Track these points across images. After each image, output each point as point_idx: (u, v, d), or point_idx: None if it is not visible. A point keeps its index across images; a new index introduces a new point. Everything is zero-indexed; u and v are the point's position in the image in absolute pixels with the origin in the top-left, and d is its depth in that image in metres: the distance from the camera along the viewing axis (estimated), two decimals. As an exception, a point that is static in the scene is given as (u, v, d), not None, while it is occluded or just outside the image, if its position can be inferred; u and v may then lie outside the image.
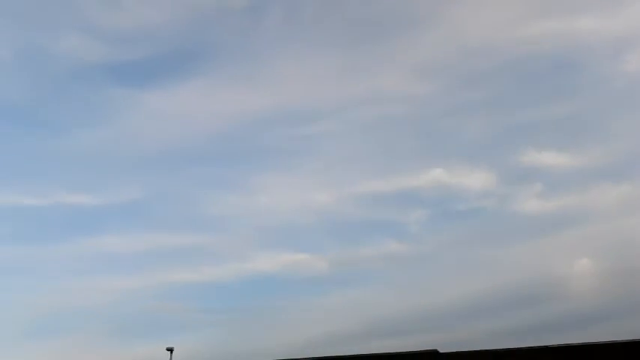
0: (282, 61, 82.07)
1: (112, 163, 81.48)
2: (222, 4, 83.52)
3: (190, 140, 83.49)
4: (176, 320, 65.08)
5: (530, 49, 73.17)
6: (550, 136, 72.29)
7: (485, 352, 26.11)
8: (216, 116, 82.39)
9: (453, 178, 69.24)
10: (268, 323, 61.36)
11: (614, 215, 62.96)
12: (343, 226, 75.30)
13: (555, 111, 71.56)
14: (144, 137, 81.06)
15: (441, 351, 26.86)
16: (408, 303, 57.56)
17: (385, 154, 79.81)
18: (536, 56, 74.16)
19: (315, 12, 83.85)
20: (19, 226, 75.43)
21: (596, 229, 62.15)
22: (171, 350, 28.40)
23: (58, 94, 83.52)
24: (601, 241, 59.91)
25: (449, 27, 77.27)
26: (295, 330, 58.21)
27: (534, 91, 76.35)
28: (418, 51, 78.97)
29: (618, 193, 63.56)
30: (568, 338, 25.50)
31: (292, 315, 62.18)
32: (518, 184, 70.98)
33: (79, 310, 64.96)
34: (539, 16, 77.98)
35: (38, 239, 76.91)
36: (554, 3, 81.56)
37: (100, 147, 79.26)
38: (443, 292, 57.31)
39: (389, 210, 73.43)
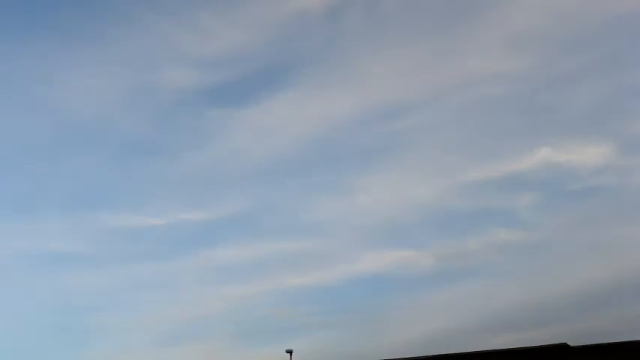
0: (368, 60, 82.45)
1: (219, 179, 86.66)
2: (303, 12, 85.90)
3: (288, 150, 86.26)
4: (290, 324, 68.05)
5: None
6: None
7: (625, 344, 23.96)
8: (309, 124, 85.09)
9: (563, 155, 64.20)
10: (379, 323, 62.03)
11: None
12: (447, 219, 73.01)
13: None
14: (245, 152, 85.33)
15: (572, 344, 24.94)
16: (525, 294, 55.04)
17: (485, 139, 76.24)
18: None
19: (394, 3, 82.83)
20: (148, 244, 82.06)
21: None
22: (290, 352, 28.79)
23: (167, 123, 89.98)
24: None
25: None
26: (406, 328, 58.16)
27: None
28: (508, 24, 74.62)
29: None
30: None
31: (402, 313, 62.05)
32: (640, 154, 66.52)
33: (204, 318, 70.42)
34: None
35: (164, 256, 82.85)
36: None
37: (207, 166, 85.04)
38: (563, 280, 54.17)
39: (495, 197, 70.14)
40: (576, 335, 28.70)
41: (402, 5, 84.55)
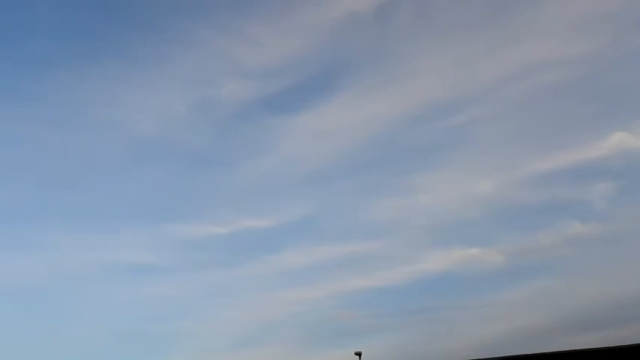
0: (420, 56, 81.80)
1: (279, 186, 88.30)
2: (351, 14, 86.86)
3: (345, 152, 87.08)
4: (356, 326, 68.19)
5: None
6: None
7: None
8: (364, 125, 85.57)
9: (640, 140, 62.05)
10: (447, 324, 60.95)
11: None
12: (515, 213, 70.10)
13: None
14: (303, 157, 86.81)
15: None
16: (603, 290, 52.17)
17: (552, 127, 73.13)
18: None
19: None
20: (215, 253, 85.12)
21: None
22: (359, 354, 28.77)
23: (226, 134, 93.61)
24: None
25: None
26: (477, 329, 56.29)
27: None
28: (569, 6, 70.75)
29: None
30: None
31: (472, 314, 59.90)
32: None
33: (272, 322, 71.81)
34: None
35: (231, 263, 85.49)
36: None
37: (267, 174, 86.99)
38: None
39: (566, 188, 66.72)
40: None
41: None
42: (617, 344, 24.54)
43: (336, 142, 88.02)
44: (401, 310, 69.71)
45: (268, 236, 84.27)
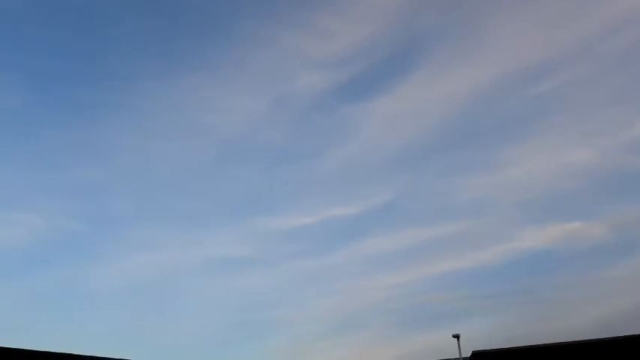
0: (496, 25, 76.88)
1: (362, 172, 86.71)
2: None
3: (425, 133, 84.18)
4: (450, 309, 65.54)
5: None
6: None
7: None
8: (443, 103, 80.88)
9: None
10: (549, 304, 56.25)
11: None
12: (620, 181, 63.38)
13: None
14: (383, 142, 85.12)
15: None
16: None
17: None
18: None
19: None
20: (304, 242, 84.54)
21: None
22: (457, 337, 28.02)
23: (305, 127, 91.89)
24: None
25: None
26: (583, 309, 51.79)
27: None
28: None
29: None
30: None
31: (576, 292, 55.30)
32: None
33: (365, 308, 70.52)
34: None
35: (320, 251, 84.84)
36: None
37: (349, 161, 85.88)
38: None
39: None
40: None
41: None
42: None
43: (415, 122, 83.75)
44: (499, 291, 65.04)
45: (355, 223, 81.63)
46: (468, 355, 30.60)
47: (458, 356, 27.85)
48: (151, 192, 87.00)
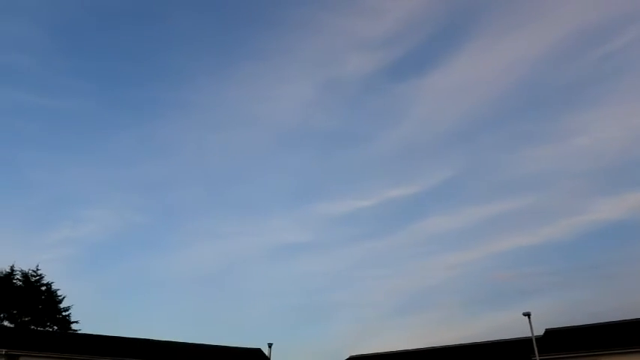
0: None
1: (417, 152, 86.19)
2: None
3: (482, 106, 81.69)
4: (521, 286, 64.57)
5: None
6: None
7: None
8: (499, 73, 79.17)
9: None
10: (623, 278, 55.18)
11: None
12: None
13: None
14: (438, 119, 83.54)
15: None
16: None
17: None
18: None
19: None
20: (363, 225, 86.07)
21: None
22: (528, 315, 27.63)
23: (358, 109, 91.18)
24: None
25: None
26: None
27: None
28: None
29: None
30: None
31: None
32: None
33: (428, 289, 71.03)
34: None
35: (379, 233, 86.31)
36: None
37: (404, 141, 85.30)
38: None
39: None
40: None
41: None
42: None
43: (471, 95, 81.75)
44: (571, 267, 63.92)
45: (414, 203, 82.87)
46: (541, 333, 30.67)
47: (529, 334, 27.56)
48: (210, 183, 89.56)
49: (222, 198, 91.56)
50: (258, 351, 37.53)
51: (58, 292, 45.86)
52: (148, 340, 35.27)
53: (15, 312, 42.68)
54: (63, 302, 45.77)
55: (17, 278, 44.58)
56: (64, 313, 45.45)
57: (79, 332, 41.10)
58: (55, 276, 71.85)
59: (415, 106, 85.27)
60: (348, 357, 40.08)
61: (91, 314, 66.77)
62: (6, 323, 41.87)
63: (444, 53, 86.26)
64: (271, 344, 35.30)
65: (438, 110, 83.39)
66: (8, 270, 44.38)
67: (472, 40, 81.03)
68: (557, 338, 29.15)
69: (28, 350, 28.64)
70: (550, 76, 75.61)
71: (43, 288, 45.50)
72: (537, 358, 26.79)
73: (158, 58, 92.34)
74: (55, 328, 43.76)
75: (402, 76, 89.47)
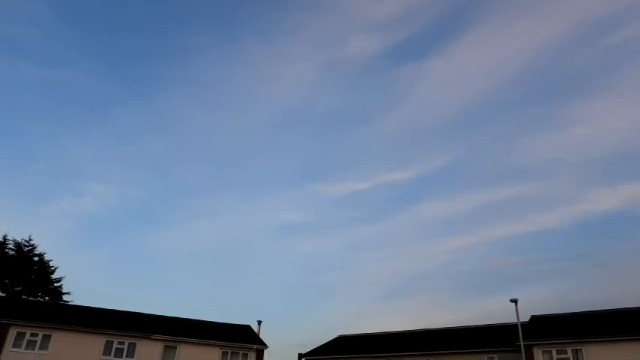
0: None
1: (417, 136, 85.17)
2: None
3: (484, 93, 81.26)
4: (510, 274, 65.23)
5: None
6: None
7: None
8: (503, 60, 78.05)
9: None
10: (619, 269, 55.47)
11: None
12: None
13: None
14: (439, 104, 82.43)
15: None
16: None
17: None
18: None
19: None
20: (360, 208, 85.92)
21: None
22: (515, 301, 27.95)
23: (358, 91, 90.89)
24: None
25: None
26: None
27: None
28: None
29: None
30: None
31: None
32: None
33: (422, 273, 71.07)
34: None
35: (376, 217, 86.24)
36: None
37: (403, 125, 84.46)
38: None
39: None
40: None
41: None
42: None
43: (474, 82, 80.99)
44: (563, 255, 64.60)
45: (412, 188, 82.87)
46: (527, 319, 31.10)
47: (515, 321, 28.03)
48: (212, 161, 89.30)
49: (222, 176, 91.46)
50: (248, 327, 37.89)
51: (51, 264, 46.10)
52: (137, 313, 35.56)
53: (7, 281, 42.89)
54: (55, 273, 46.06)
55: (9, 247, 44.73)
56: (55, 284, 45.74)
57: (71, 303, 41.39)
58: (50, 248, 72.11)
59: (417, 90, 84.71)
60: (336, 336, 40.54)
61: (84, 287, 67.27)
62: (-2, 292, 42.14)
63: (447, 39, 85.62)
64: (260, 321, 36.18)
65: (438, 95, 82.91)
66: (1, 239, 44.52)
67: (476, 27, 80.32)
68: (541, 325, 29.52)
69: (18, 319, 28.85)
70: (552, 65, 75.22)
71: (36, 258, 45.68)
72: (522, 342, 27.22)
73: (165, 34, 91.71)
74: (47, 298, 44.04)
75: (405, 59, 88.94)
